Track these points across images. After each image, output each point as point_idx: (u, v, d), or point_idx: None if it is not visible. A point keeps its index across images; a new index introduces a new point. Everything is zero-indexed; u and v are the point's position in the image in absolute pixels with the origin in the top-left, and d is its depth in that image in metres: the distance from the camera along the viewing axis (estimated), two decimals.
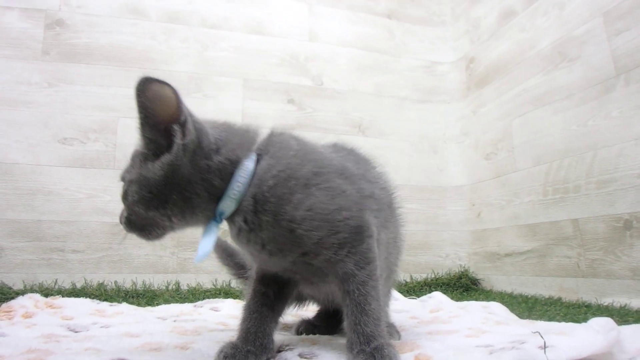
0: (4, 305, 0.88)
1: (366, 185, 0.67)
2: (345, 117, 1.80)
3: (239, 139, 0.63)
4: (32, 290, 1.36)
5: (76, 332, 0.74)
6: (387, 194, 0.75)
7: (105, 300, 1.30)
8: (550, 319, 0.98)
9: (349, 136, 1.77)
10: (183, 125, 0.56)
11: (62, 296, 1.35)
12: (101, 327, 0.79)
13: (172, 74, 1.66)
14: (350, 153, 0.75)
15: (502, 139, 1.69)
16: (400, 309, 1.06)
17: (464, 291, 1.66)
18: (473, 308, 1.04)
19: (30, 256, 1.47)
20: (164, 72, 1.66)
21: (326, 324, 0.82)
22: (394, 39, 1.94)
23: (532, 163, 1.53)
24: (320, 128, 1.76)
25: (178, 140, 0.56)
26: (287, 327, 0.86)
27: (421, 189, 1.84)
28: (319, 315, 0.84)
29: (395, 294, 1.22)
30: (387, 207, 0.72)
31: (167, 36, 1.69)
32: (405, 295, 1.56)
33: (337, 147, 0.75)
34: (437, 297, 1.26)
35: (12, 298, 1.25)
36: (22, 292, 1.34)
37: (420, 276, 1.73)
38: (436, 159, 1.88)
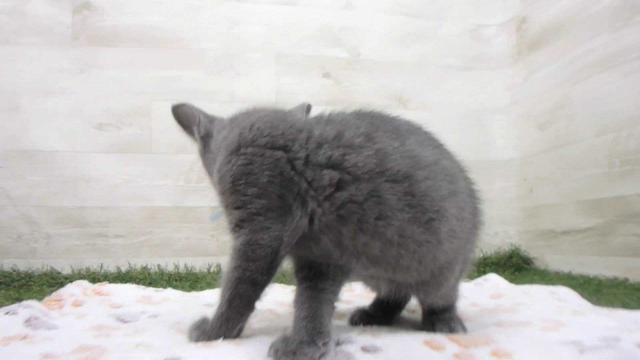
0: (54, 294, 0.87)
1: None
2: (384, 90, 1.70)
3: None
4: (79, 275, 1.39)
5: (126, 322, 0.73)
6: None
7: (150, 284, 1.31)
8: (625, 306, 0.88)
9: (389, 109, 1.66)
10: (198, 125, 0.78)
11: (109, 281, 1.37)
12: (149, 316, 0.77)
13: (202, 52, 1.61)
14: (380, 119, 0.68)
15: (558, 107, 1.55)
16: None
17: (515, 271, 1.57)
18: (539, 293, 0.95)
19: (75, 242, 1.49)
20: (194, 51, 1.61)
21: (383, 313, 0.76)
22: (436, 2, 1.80)
23: (596, 132, 1.40)
24: (359, 103, 1.65)
25: (196, 134, 0.78)
26: (338, 316, 0.81)
27: (467, 164, 1.72)
28: (375, 304, 0.79)
29: None
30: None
31: (195, 13, 1.63)
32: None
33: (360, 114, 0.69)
34: (493, 279, 1.16)
35: (61, 283, 1.28)
36: (70, 277, 1.37)
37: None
38: (483, 131, 1.76)
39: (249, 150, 0.61)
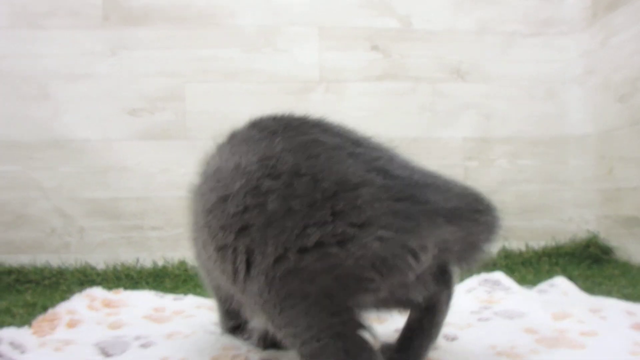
0: (50, 311, 0.79)
1: None
2: (440, 62, 1.53)
3: None
4: (114, 271, 1.31)
5: (109, 356, 0.64)
6: None
7: (185, 281, 1.24)
8: None
9: (445, 84, 1.51)
10: None
11: (143, 277, 1.28)
12: (141, 345, 0.68)
13: (238, 29, 1.48)
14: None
15: None
16: (511, 309, 0.77)
17: (592, 263, 1.39)
18: (613, 313, 0.75)
19: (110, 235, 1.41)
20: (229, 27, 1.48)
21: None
22: None
23: None
24: (411, 77, 1.51)
25: None
26: None
27: (536, 142, 1.55)
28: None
29: (505, 280, 0.94)
30: None
31: None
32: (519, 271, 1.32)
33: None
34: (561, 285, 0.95)
35: (93, 281, 1.20)
36: (103, 274, 1.29)
37: (537, 244, 1.47)
38: (553, 104, 1.57)
39: None
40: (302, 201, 0.45)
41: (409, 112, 1.51)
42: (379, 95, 1.50)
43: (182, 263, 1.35)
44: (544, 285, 0.95)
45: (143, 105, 1.45)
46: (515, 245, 1.45)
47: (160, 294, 0.99)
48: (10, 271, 1.26)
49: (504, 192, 1.50)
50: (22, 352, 0.62)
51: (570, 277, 1.16)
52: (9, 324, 0.78)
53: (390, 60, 1.52)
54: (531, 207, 1.53)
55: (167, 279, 1.27)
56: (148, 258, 1.37)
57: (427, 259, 0.46)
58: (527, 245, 1.47)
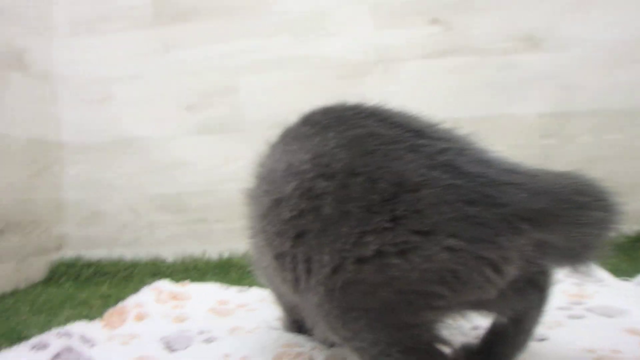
0: (120, 305, 0.81)
1: None
2: (509, 30, 1.38)
3: None
4: (183, 264, 1.35)
5: (173, 350, 0.64)
6: None
7: (250, 272, 1.24)
8: None
9: (516, 55, 1.36)
10: None
11: (209, 269, 1.31)
12: (204, 340, 0.68)
13: (286, 16, 1.44)
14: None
15: None
16: (608, 305, 0.66)
17: None
18: None
19: (177, 229, 1.45)
20: (276, 15, 1.45)
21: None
22: None
23: None
24: (477, 50, 1.38)
25: None
26: None
27: (625, 114, 1.35)
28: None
29: (596, 270, 0.81)
30: None
31: None
32: (612, 259, 1.18)
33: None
34: None
35: (163, 272, 1.24)
36: (173, 266, 1.33)
37: (631, 229, 1.30)
38: (639, 69, 1.36)
39: None
40: (358, 204, 0.40)
41: (476, 89, 1.38)
42: (442, 73, 1.39)
43: (247, 255, 1.36)
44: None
45: (197, 101, 1.47)
46: None
47: (225, 286, 1.00)
48: (89, 265, 1.34)
49: (589, 171, 1.32)
50: (92, 345, 0.64)
51: None
52: (86, 315, 0.83)
53: (452, 34, 1.40)
54: (622, 188, 1.32)
55: (233, 270, 1.30)
56: (214, 250, 1.40)
57: (512, 271, 0.39)
58: (619, 230, 1.31)
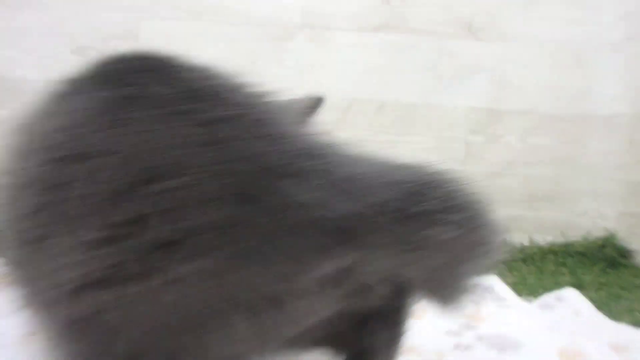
0: None
1: None
2: (449, 14, 1.29)
3: None
4: None
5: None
6: None
7: None
8: None
9: (454, 40, 1.28)
10: None
11: None
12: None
13: None
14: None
15: None
16: (503, 334, 0.58)
17: (607, 266, 1.20)
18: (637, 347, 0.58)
19: None
20: None
21: None
22: None
23: None
24: (414, 30, 1.28)
25: None
26: None
27: (555, 118, 1.33)
28: None
29: (499, 287, 0.74)
30: None
31: None
32: (519, 269, 1.14)
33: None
34: (571, 300, 0.74)
35: None
36: None
37: (543, 239, 1.29)
38: (581, 74, 1.33)
39: None
40: (99, 199, 0.27)
41: (408, 72, 1.29)
42: (373, 49, 1.28)
43: None
44: (549, 298, 0.75)
45: (91, 44, 1.26)
46: (518, 237, 1.27)
47: None
48: None
49: (509, 174, 1.29)
50: None
51: (580, 283, 1.01)
52: None
53: (390, 9, 1.28)
54: (540, 195, 1.33)
55: None
56: None
57: (301, 311, 0.28)
58: (531, 240, 1.28)
